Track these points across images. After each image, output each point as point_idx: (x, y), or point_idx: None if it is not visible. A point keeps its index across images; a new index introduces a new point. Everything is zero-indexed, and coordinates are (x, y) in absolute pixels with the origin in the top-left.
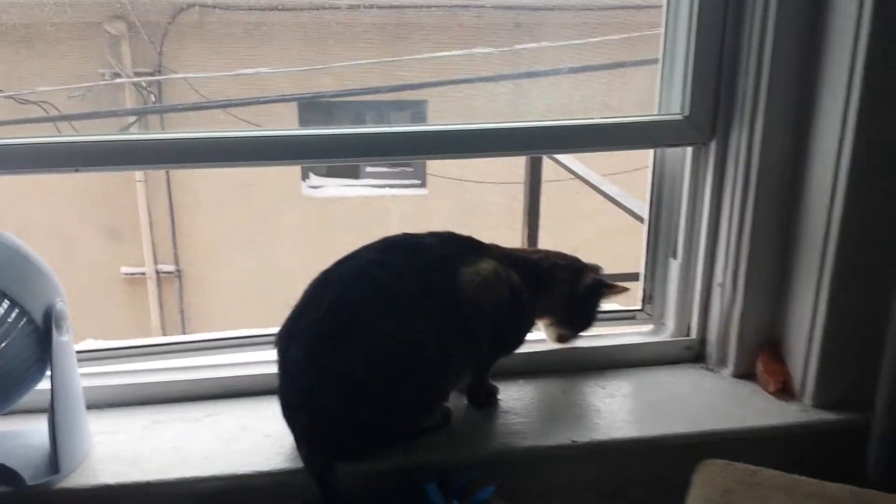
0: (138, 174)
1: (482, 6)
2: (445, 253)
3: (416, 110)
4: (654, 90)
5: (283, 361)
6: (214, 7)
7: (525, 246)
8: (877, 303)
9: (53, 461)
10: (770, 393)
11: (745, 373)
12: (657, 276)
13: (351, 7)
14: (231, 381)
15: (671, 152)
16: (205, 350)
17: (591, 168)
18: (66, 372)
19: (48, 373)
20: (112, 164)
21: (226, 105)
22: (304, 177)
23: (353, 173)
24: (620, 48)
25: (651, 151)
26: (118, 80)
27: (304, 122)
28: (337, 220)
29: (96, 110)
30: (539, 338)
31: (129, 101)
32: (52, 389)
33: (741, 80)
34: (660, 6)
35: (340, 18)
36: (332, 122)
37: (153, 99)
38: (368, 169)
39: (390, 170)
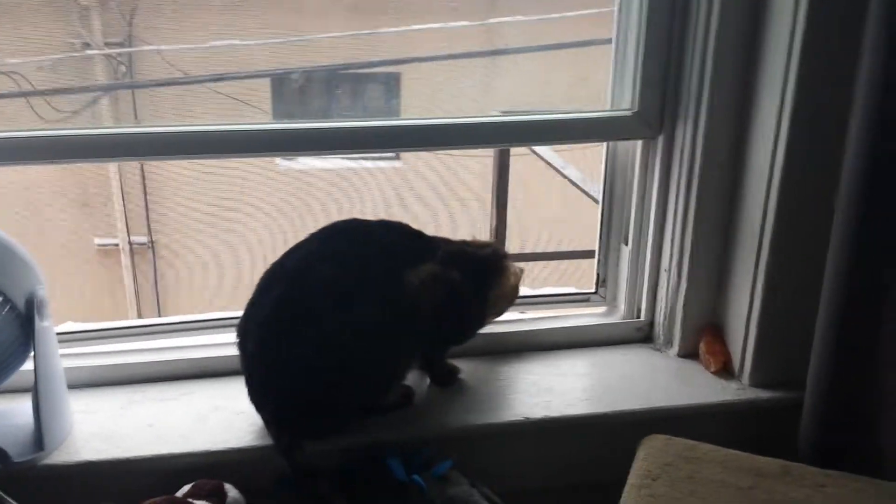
0: None
1: None
2: (391, 246)
3: (390, 83)
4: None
5: (242, 354)
6: None
7: (493, 223)
8: (809, 290)
9: (37, 439)
10: (712, 372)
11: (689, 353)
12: (610, 261)
13: None
14: (204, 362)
15: (622, 145)
16: (179, 332)
17: (556, 152)
18: (47, 355)
19: (30, 355)
20: (89, 157)
21: (199, 81)
22: None
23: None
24: (593, 23)
25: (604, 144)
26: (89, 52)
27: (276, 95)
28: (312, 192)
29: (69, 85)
30: (503, 319)
31: (100, 72)
32: (35, 372)
33: (686, 80)
34: None
35: None
36: (306, 96)
37: (123, 69)
38: None
39: None
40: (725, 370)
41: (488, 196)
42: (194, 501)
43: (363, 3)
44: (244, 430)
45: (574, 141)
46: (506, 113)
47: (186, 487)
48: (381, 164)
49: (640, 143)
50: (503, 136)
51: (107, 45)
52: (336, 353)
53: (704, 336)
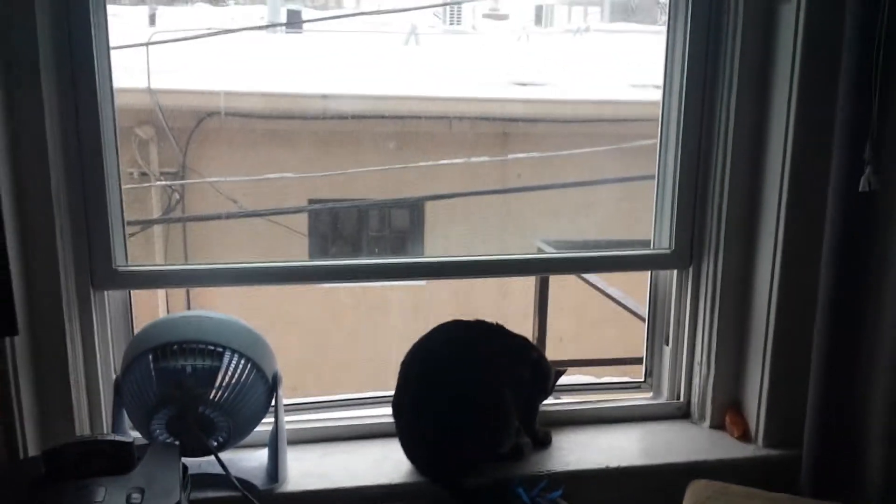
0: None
1: (474, 118)
2: (495, 340)
3: (415, 210)
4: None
5: (397, 423)
6: (234, 115)
7: (535, 335)
8: (803, 377)
9: (273, 475)
10: (735, 437)
11: (717, 425)
12: (654, 358)
13: (356, 117)
14: (373, 427)
15: (662, 273)
16: (352, 406)
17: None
18: (281, 415)
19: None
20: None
21: (247, 215)
22: None
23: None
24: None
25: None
26: (151, 184)
27: (312, 221)
28: (341, 307)
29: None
30: (576, 400)
31: (155, 199)
32: (275, 426)
33: (707, 230)
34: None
35: (348, 127)
36: (339, 221)
37: (177, 197)
38: None
39: None
40: (745, 436)
41: (507, 316)
42: None
43: (390, 140)
44: (407, 471)
45: (630, 270)
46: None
47: None
48: (405, 282)
49: (675, 271)
50: (565, 266)
51: (162, 173)
52: (464, 418)
53: (728, 412)
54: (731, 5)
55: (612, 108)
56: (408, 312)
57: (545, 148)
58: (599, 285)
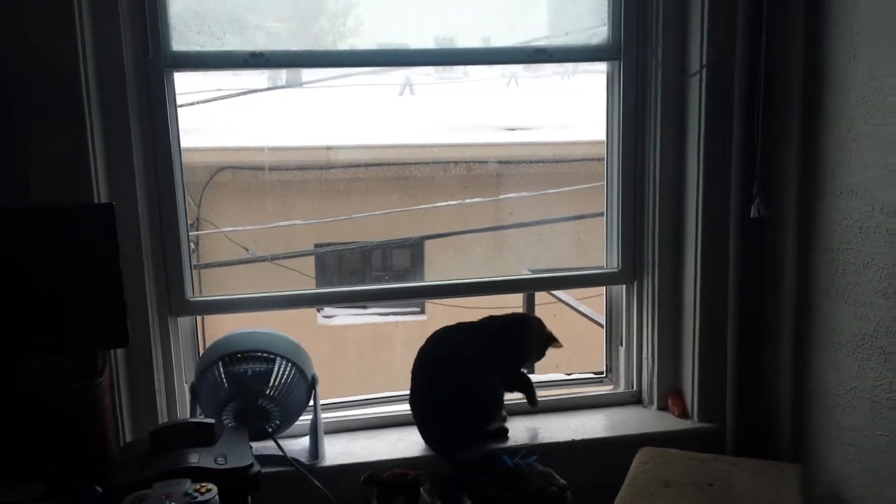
0: None
1: (468, 162)
2: (485, 334)
3: (415, 249)
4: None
5: (413, 411)
6: (243, 168)
7: None
8: (725, 366)
9: (314, 454)
10: (676, 416)
11: (662, 407)
12: (612, 357)
13: (358, 166)
14: (388, 418)
15: (615, 288)
16: (374, 404)
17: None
18: (318, 409)
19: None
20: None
21: (261, 259)
22: (319, 309)
23: (362, 305)
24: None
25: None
26: None
27: (318, 264)
28: (347, 343)
29: None
30: (551, 393)
31: None
32: (314, 415)
33: (647, 253)
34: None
35: (351, 175)
36: (343, 263)
37: (192, 247)
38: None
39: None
40: (683, 414)
41: None
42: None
43: (392, 185)
44: (416, 449)
45: (588, 286)
46: (534, 271)
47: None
48: (407, 318)
49: (623, 286)
50: (531, 287)
51: None
52: (462, 402)
53: (670, 396)
54: (652, 78)
55: (596, 147)
56: (411, 346)
57: (536, 187)
58: (572, 303)
